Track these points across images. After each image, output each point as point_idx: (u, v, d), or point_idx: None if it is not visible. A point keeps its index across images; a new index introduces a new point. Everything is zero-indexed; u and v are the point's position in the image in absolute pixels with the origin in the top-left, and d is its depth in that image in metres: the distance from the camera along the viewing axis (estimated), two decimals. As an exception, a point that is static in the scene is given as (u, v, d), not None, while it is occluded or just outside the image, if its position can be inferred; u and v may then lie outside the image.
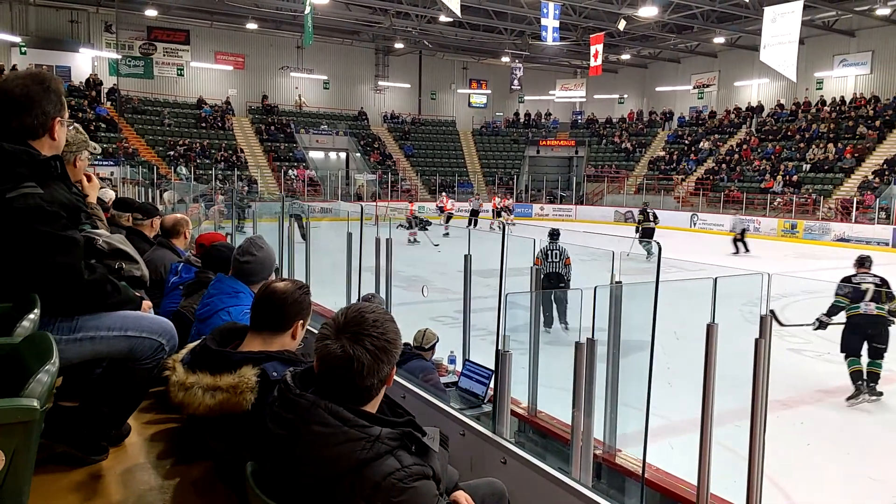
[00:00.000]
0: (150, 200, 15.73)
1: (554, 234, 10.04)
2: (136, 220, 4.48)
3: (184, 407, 2.03)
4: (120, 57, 31.18)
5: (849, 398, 7.01)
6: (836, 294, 7.47)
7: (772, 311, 8.29)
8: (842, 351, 7.30)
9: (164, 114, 31.74)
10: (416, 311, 8.74)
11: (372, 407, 1.58)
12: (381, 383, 1.57)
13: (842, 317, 7.41)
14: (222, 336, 2.20)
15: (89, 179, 3.41)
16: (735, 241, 19.30)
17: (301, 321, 2.18)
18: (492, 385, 4.40)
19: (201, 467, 2.34)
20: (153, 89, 32.77)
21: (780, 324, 7.74)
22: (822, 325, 7.58)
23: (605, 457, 3.95)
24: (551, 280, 9.45)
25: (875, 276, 7.56)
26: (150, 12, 29.51)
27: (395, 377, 3.03)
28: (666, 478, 3.66)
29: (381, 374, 1.55)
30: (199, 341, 2.25)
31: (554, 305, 9.29)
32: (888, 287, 7.36)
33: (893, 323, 7.17)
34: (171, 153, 29.61)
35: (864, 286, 7.33)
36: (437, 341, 5.37)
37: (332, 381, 1.53)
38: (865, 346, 7.19)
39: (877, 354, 7.10)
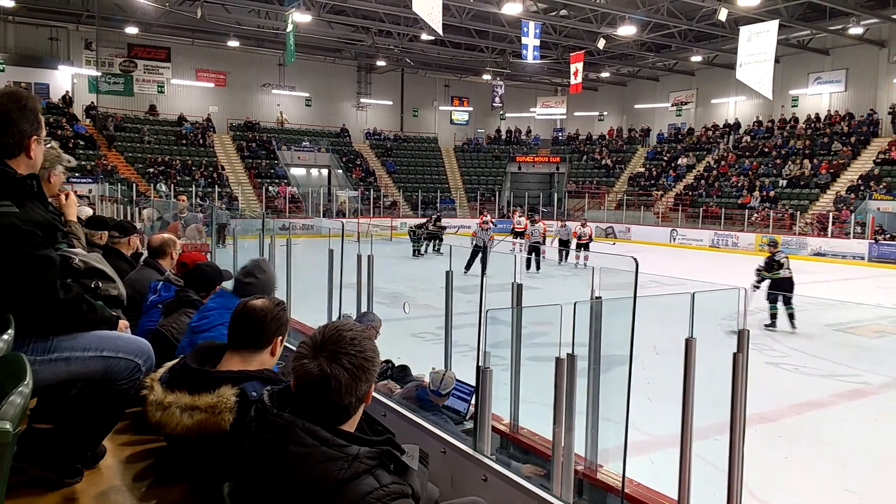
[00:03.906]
0: (129, 218, 15.59)
1: (534, 221, 21.18)
2: (112, 239, 4.42)
3: (161, 427, 2.00)
4: (100, 74, 31.02)
5: (766, 326, 10.90)
6: (761, 269, 11.59)
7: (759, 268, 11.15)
8: (766, 299, 11.12)
9: (143, 131, 31.55)
10: (398, 327, 8.71)
11: (350, 425, 1.57)
12: (360, 401, 1.56)
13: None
14: (202, 354, 2.19)
15: (67, 197, 3.37)
16: None
17: (280, 338, 2.17)
18: (473, 402, 4.39)
19: (178, 489, 2.31)
20: (133, 106, 32.59)
21: (757, 286, 11.49)
22: (756, 287, 11.39)
23: (587, 472, 3.94)
24: (534, 246, 17.86)
25: (782, 253, 11.82)
26: (131, 30, 29.45)
27: (375, 394, 3.03)
28: (647, 493, 3.66)
29: (359, 393, 1.54)
30: (177, 360, 2.23)
31: (534, 259, 16.33)
32: (787, 260, 11.63)
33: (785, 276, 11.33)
34: (151, 170, 29.40)
35: (781, 260, 11.47)
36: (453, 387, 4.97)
37: (309, 401, 1.52)
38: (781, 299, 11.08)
39: (788, 302, 11.05)
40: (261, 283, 2.95)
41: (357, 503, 1.42)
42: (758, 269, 11.65)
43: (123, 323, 2.54)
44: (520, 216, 26.66)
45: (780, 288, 11.10)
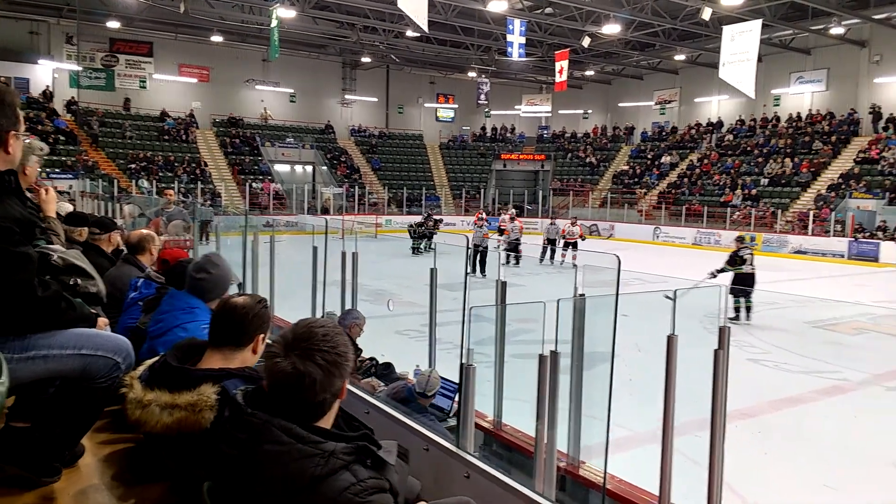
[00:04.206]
0: (110, 214, 15.42)
1: (512, 219, 20.11)
2: (92, 235, 4.37)
3: (140, 425, 1.99)
4: (81, 69, 30.64)
5: (730, 319, 10.93)
6: (725, 262, 12.05)
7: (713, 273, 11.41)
8: (730, 293, 11.04)
9: (125, 126, 31.22)
10: (383, 324, 8.70)
11: (326, 421, 1.57)
12: (334, 397, 1.56)
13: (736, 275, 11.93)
14: (182, 352, 2.17)
15: (46, 192, 3.33)
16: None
17: (261, 335, 2.16)
18: (457, 399, 4.40)
19: (158, 488, 2.29)
20: (115, 101, 32.25)
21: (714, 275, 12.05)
22: (713, 275, 11.75)
23: (569, 469, 3.97)
24: (512, 243, 18.35)
25: (749, 249, 12.24)
26: (113, 24, 29.12)
27: (356, 391, 3.02)
28: (628, 488, 3.69)
29: (333, 388, 1.54)
30: (157, 357, 2.21)
31: (512, 255, 17.18)
32: (751, 256, 12.09)
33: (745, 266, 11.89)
34: (133, 166, 29.11)
35: (745, 256, 11.92)
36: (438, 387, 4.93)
37: (283, 399, 1.51)
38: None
39: (747, 295, 11.46)
40: (214, 278, 2.82)
41: (334, 499, 1.42)
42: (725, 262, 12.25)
43: (103, 320, 2.51)
44: (504, 214, 26.50)
45: (742, 283, 11.58)
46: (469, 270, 13.71)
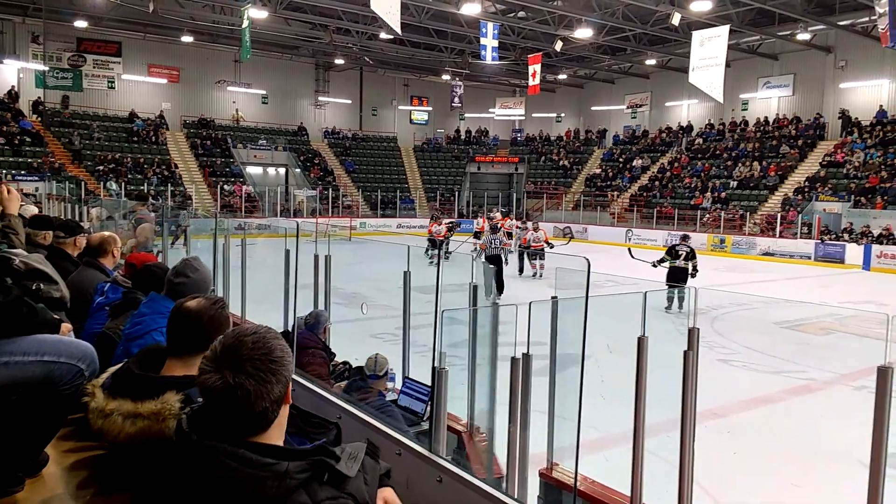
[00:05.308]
0: (77, 217, 15.13)
1: (494, 229, 17.65)
2: (58, 239, 4.27)
3: (104, 434, 1.94)
4: (47, 68, 30.04)
5: (666, 308, 11.11)
6: (665, 254, 13.54)
7: (629, 249, 13.02)
8: (667, 284, 12.35)
9: (93, 127, 30.66)
10: (356, 328, 8.67)
11: (278, 429, 1.50)
12: (277, 404, 1.47)
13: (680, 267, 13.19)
14: (146, 359, 2.12)
15: (9, 192, 3.26)
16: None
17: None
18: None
19: (124, 497, 2.23)
20: (82, 102, 31.67)
21: (633, 257, 13.86)
22: (655, 265, 13.14)
23: (543, 471, 3.98)
24: (494, 257, 15.16)
25: (689, 246, 13.49)
26: (80, 23, 28.61)
27: (330, 396, 3.00)
28: (601, 489, 3.71)
29: (272, 396, 1.44)
30: (121, 364, 2.16)
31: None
32: (693, 253, 13.38)
33: (694, 274, 13.13)
34: (101, 168, 28.60)
35: (680, 251, 13.23)
36: (389, 367, 4.98)
37: (222, 415, 1.43)
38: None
39: (678, 288, 11.93)
40: (194, 281, 2.77)
41: None
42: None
43: (66, 326, 2.46)
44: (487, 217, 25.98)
45: (674, 276, 12.93)
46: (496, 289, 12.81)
